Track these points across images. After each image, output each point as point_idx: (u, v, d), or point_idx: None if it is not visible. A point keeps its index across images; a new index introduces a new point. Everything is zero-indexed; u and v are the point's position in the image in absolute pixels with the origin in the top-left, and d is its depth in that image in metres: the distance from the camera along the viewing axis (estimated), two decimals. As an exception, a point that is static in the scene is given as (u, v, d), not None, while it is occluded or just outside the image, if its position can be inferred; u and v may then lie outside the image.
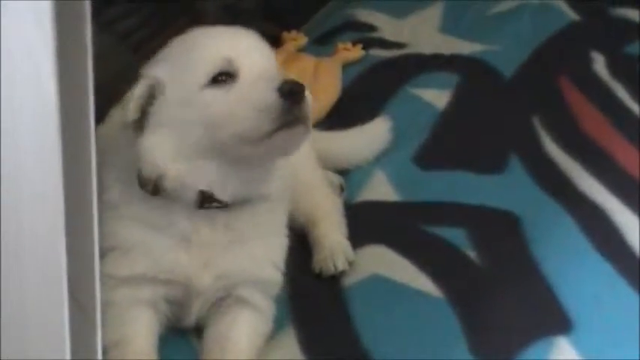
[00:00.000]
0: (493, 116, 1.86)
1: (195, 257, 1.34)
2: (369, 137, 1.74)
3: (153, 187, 1.30)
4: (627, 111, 1.85)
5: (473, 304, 1.46)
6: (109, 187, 1.34)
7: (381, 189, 1.66)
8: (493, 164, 1.75)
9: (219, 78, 1.29)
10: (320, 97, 1.88)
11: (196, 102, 1.29)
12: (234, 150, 1.28)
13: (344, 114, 1.84)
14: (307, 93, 1.29)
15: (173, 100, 1.29)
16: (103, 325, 1.30)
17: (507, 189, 1.69)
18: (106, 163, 1.34)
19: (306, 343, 1.42)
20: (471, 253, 1.57)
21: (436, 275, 1.51)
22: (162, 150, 1.29)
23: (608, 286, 1.52)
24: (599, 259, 1.56)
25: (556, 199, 1.67)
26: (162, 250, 1.33)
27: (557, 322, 1.45)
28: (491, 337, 1.44)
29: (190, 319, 1.39)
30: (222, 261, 1.35)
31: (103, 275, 1.29)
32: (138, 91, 1.29)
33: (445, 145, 1.80)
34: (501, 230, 1.62)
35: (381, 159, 1.74)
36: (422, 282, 1.50)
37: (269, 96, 1.26)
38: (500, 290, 1.51)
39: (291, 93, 1.26)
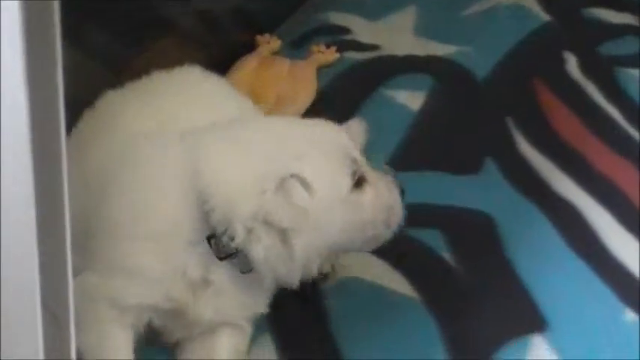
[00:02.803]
0: (467, 117, 1.87)
1: (204, 296, 1.32)
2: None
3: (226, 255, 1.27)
4: (600, 111, 1.86)
5: (449, 306, 1.47)
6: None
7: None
8: (468, 165, 1.75)
9: (355, 179, 1.29)
10: (295, 99, 1.88)
11: (343, 206, 1.28)
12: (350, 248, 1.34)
13: (319, 116, 1.84)
14: None
15: (321, 201, 1.27)
16: (79, 334, 1.30)
17: (482, 190, 1.70)
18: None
19: (282, 345, 1.42)
20: (447, 255, 1.57)
21: (412, 277, 1.52)
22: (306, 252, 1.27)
23: (584, 286, 1.52)
24: (574, 258, 1.57)
25: (531, 200, 1.67)
26: (173, 284, 1.30)
27: (533, 322, 1.46)
28: (468, 338, 1.45)
29: (172, 340, 1.37)
30: (228, 300, 1.33)
31: (104, 296, 1.30)
32: (297, 194, 1.25)
33: (420, 147, 1.80)
34: (476, 231, 1.62)
35: (355, 161, 1.73)
36: (398, 283, 1.51)
37: (395, 195, 1.33)
38: (475, 291, 1.51)
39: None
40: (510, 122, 1.84)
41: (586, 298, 1.50)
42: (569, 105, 1.88)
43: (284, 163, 1.25)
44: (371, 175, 1.32)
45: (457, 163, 1.75)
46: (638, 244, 1.59)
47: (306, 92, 1.93)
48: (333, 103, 1.92)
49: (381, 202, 1.31)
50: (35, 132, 0.70)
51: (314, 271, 1.30)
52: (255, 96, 1.73)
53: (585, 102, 1.90)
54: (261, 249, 1.25)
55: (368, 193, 1.30)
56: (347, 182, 1.28)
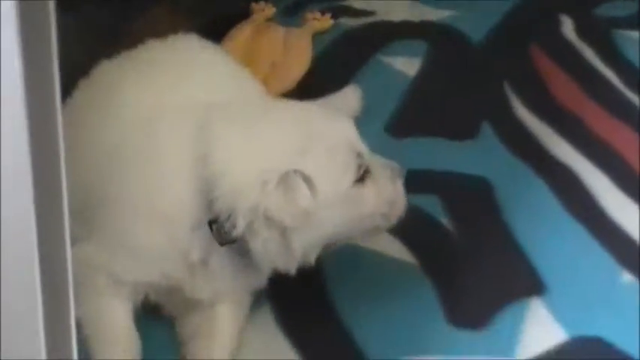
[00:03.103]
0: (464, 82, 1.86)
1: (202, 276, 1.32)
2: (339, 106, 1.74)
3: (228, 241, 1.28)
4: (597, 74, 1.86)
5: (447, 271, 1.47)
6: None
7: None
8: (465, 130, 1.75)
9: (358, 174, 1.30)
10: (290, 67, 1.88)
11: (346, 201, 1.28)
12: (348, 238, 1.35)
13: (315, 84, 1.84)
14: None
15: (323, 198, 1.27)
16: (78, 302, 1.30)
17: (479, 155, 1.70)
18: None
19: (281, 314, 1.42)
20: (444, 220, 1.57)
21: (410, 243, 1.52)
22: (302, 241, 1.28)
23: (581, 248, 1.53)
24: (571, 221, 1.57)
25: (528, 164, 1.68)
26: (172, 265, 1.31)
27: (531, 286, 1.47)
28: (467, 303, 1.45)
29: (171, 313, 1.38)
30: (226, 280, 1.34)
31: (102, 269, 1.30)
32: (299, 191, 1.25)
33: (417, 113, 1.80)
34: (474, 196, 1.63)
35: (352, 128, 1.73)
36: (396, 250, 1.51)
37: (398, 188, 1.34)
38: (474, 256, 1.52)
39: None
40: (507, 86, 1.84)
41: (583, 260, 1.51)
42: (566, 68, 1.88)
43: (288, 157, 1.25)
44: (375, 166, 1.33)
45: (454, 129, 1.75)
46: (635, 207, 1.59)
47: (301, 60, 1.93)
48: (328, 70, 1.91)
49: (383, 196, 1.32)
50: (30, 101, 0.70)
51: (312, 261, 1.31)
52: (250, 64, 1.73)
53: (582, 65, 1.90)
54: (260, 242, 1.26)
55: (369, 187, 1.31)
56: (349, 178, 1.29)
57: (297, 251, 1.27)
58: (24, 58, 0.69)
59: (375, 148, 1.71)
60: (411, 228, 1.55)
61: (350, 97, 1.76)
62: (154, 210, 1.29)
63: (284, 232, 1.25)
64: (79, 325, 1.29)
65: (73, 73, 1.47)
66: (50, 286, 0.77)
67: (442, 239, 1.51)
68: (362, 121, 1.75)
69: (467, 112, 1.79)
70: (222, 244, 1.27)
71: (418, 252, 1.50)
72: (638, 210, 1.59)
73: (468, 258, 1.51)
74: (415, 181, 1.63)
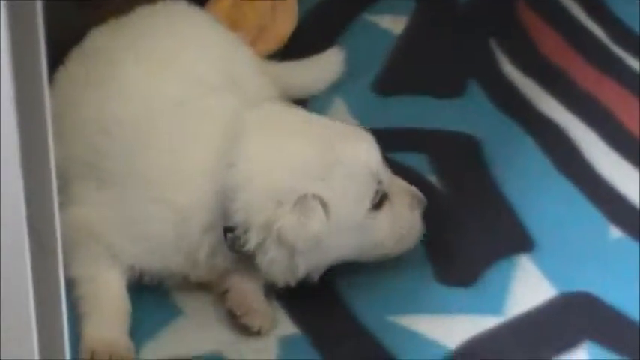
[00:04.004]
0: (451, 40, 1.85)
1: (205, 269, 1.34)
2: (322, 68, 1.74)
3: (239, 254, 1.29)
4: (583, 29, 1.85)
5: (436, 229, 1.47)
6: None
7: (340, 118, 1.65)
8: (452, 88, 1.74)
9: (376, 200, 1.30)
10: (276, 30, 1.87)
11: (359, 228, 1.30)
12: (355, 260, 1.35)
13: (301, 44, 1.83)
14: None
15: (337, 224, 1.28)
16: (72, 265, 1.30)
17: (467, 113, 1.70)
18: None
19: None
20: (432, 178, 1.57)
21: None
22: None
23: (570, 205, 1.53)
24: (559, 177, 1.57)
25: (516, 121, 1.67)
26: (178, 259, 1.32)
27: (520, 242, 1.47)
28: (455, 261, 1.46)
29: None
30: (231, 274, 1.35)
31: (104, 241, 1.30)
32: (314, 216, 1.26)
33: (404, 71, 1.79)
34: (462, 154, 1.62)
35: (340, 87, 1.73)
36: (385, 208, 1.51)
37: (415, 217, 1.34)
38: (462, 214, 1.52)
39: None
40: (493, 43, 1.83)
41: (572, 216, 1.51)
42: (553, 24, 1.87)
43: (308, 180, 1.26)
44: (395, 192, 1.34)
45: (441, 87, 1.74)
46: (623, 162, 1.59)
47: (287, 22, 1.91)
48: (315, 30, 1.90)
49: (398, 224, 1.33)
50: (16, 66, 0.69)
51: (315, 279, 1.33)
52: (236, 28, 1.72)
53: (568, 20, 1.88)
54: (267, 258, 1.27)
55: (385, 214, 1.32)
56: (366, 206, 1.30)
57: (301, 271, 1.30)
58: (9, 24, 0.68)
59: (361, 107, 1.72)
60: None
61: (333, 59, 1.75)
62: (171, 199, 1.29)
63: (292, 253, 1.26)
64: (70, 285, 1.30)
65: (57, 41, 1.46)
66: (42, 287, 0.77)
67: (430, 197, 1.51)
68: (348, 80, 1.75)
69: (454, 70, 1.79)
70: (232, 251, 1.29)
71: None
72: (626, 165, 1.59)
73: (457, 216, 1.52)
74: (403, 140, 1.63)
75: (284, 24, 1.90)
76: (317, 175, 1.28)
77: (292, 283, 1.32)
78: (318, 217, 1.26)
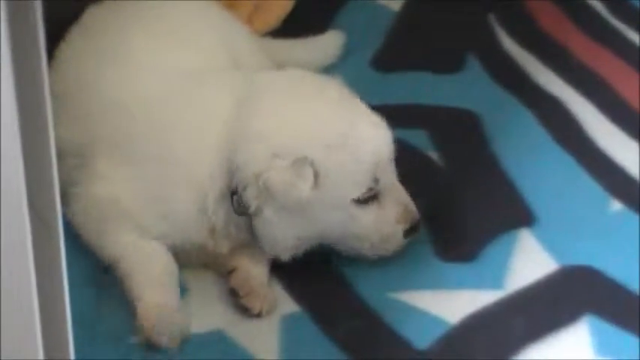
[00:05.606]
0: (449, 15, 1.85)
1: (223, 241, 1.35)
2: (319, 49, 1.73)
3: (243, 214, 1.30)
4: (582, 2, 1.85)
5: (436, 204, 1.47)
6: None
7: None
8: (451, 63, 1.74)
9: (366, 196, 1.31)
10: (272, 8, 1.86)
11: (341, 212, 1.30)
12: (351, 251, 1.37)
13: (298, 21, 1.82)
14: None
15: (320, 196, 1.28)
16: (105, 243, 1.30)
17: (466, 88, 1.69)
18: None
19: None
20: (433, 154, 1.57)
21: (400, 176, 1.52)
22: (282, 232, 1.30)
23: (570, 178, 1.53)
24: (559, 150, 1.57)
25: (515, 95, 1.67)
26: (199, 232, 1.34)
27: (520, 216, 1.47)
28: (456, 236, 1.46)
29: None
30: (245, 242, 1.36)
31: (131, 217, 1.31)
32: (303, 179, 1.27)
33: (402, 47, 1.79)
34: (462, 129, 1.62)
35: (338, 64, 1.73)
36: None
37: (398, 230, 1.33)
38: (462, 189, 1.52)
39: (413, 230, 1.34)
40: (492, 18, 1.82)
41: (572, 190, 1.51)
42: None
43: (313, 146, 1.27)
44: (388, 198, 1.33)
45: (440, 62, 1.74)
46: (623, 135, 1.59)
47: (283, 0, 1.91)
48: (312, 7, 1.89)
49: (378, 228, 1.33)
50: (15, 43, 0.69)
51: (300, 252, 1.33)
52: (231, 6, 1.71)
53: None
54: (261, 221, 1.29)
55: (369, 214, 1.32)
56: (353, 194, 1.30)
57: (290, 240, 1.30)
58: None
59: (360, 84, 1.71)
60: (400, 162, 1.55)
61: (331, 42, 1.75)
62: (189, 176, 1.31)
63: (280, 214, 1.27)
64: (110, 268, 1.31)
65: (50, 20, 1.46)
66: (46, 287, 0.77)
67: (430, 173, 1.52)
68: (347, 57, 1.75)
69: (452, 45, 1.78)
70: (238, 214, 1.30)
71: (408, 185, 1.50)
72: (625, 137, 1.59)
73: (457, 191, 1.52)
74: (402, 116, 1.63)
75: (280, 3, 1.89)
76: (323, 143, 1.28)
77: (285, 255, 1.32)
78: (307, 184, 1.27)
